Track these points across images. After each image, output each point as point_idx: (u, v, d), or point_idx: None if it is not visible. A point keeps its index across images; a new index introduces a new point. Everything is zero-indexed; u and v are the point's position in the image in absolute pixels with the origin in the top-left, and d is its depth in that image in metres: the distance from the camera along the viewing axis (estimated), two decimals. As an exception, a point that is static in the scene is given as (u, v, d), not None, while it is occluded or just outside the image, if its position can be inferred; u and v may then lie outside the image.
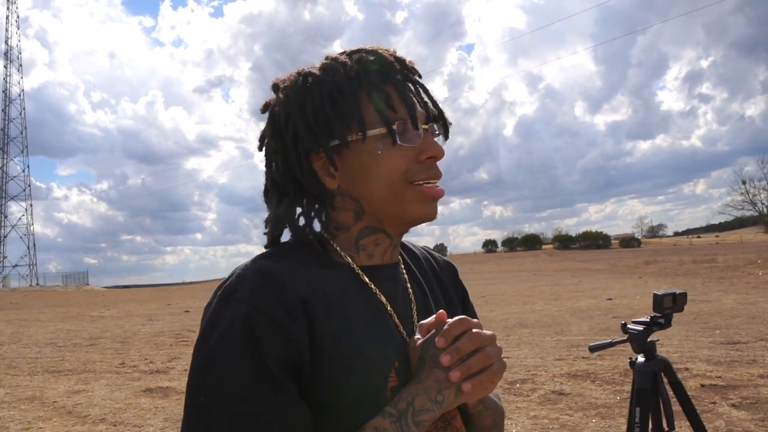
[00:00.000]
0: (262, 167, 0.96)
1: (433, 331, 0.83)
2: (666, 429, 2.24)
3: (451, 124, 0.97)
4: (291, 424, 0.76)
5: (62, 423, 5.56)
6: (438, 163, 0.92)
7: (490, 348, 0.81)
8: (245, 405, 0.73)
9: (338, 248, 0.91)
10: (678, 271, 25.30)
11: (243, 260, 0.87)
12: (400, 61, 0.92)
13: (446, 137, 0.96)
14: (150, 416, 5.63)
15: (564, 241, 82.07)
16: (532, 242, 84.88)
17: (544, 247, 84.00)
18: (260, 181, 0.97)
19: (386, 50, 0.92)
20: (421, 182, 0.88)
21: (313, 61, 0.93)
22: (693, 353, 7.09)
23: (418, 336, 0.86)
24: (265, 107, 0.94)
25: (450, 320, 0.83)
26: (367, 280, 0.89)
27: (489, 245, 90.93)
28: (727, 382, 5.69)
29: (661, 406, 2.22)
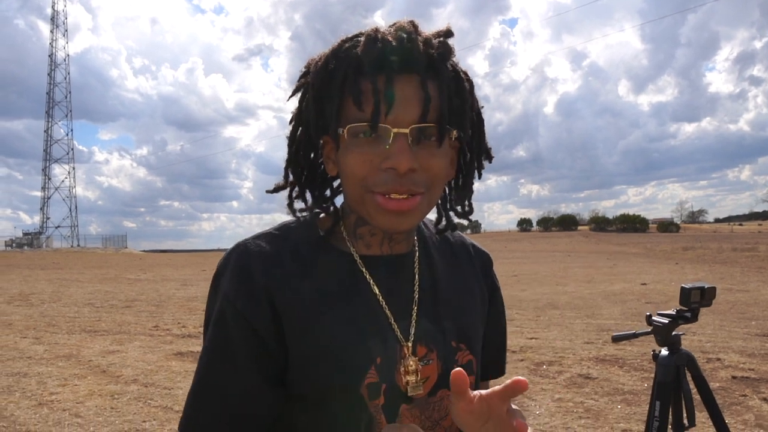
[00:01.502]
0: None
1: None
2: (686, 425, 2.20)
3: (451, 129, 0.80)
4: (250, 405, 0.81)
5: (96, 381, 5.75)
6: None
7: None
8: (211, 379, 0.83)
9: (344, 232, 0.90)
10: (716, 258, 24.73)
11: None
12: (404, 48, 0.77)
13: (440, 143, 0.79)
14: (180, 379, 5.78)
15: (600, 223, 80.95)
16: (567, 223, 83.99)
17: (580, 228, 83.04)
18: None
19: (392, 32, 0.79)
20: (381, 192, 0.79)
21: (352, 31, 0.84)
22: (726, 344, 6.95)
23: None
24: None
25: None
26: (363, 269, 0.87)
27: (524, 224, 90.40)
28: (760, 375, 5.56)
29: (683, 401, 2.19)
